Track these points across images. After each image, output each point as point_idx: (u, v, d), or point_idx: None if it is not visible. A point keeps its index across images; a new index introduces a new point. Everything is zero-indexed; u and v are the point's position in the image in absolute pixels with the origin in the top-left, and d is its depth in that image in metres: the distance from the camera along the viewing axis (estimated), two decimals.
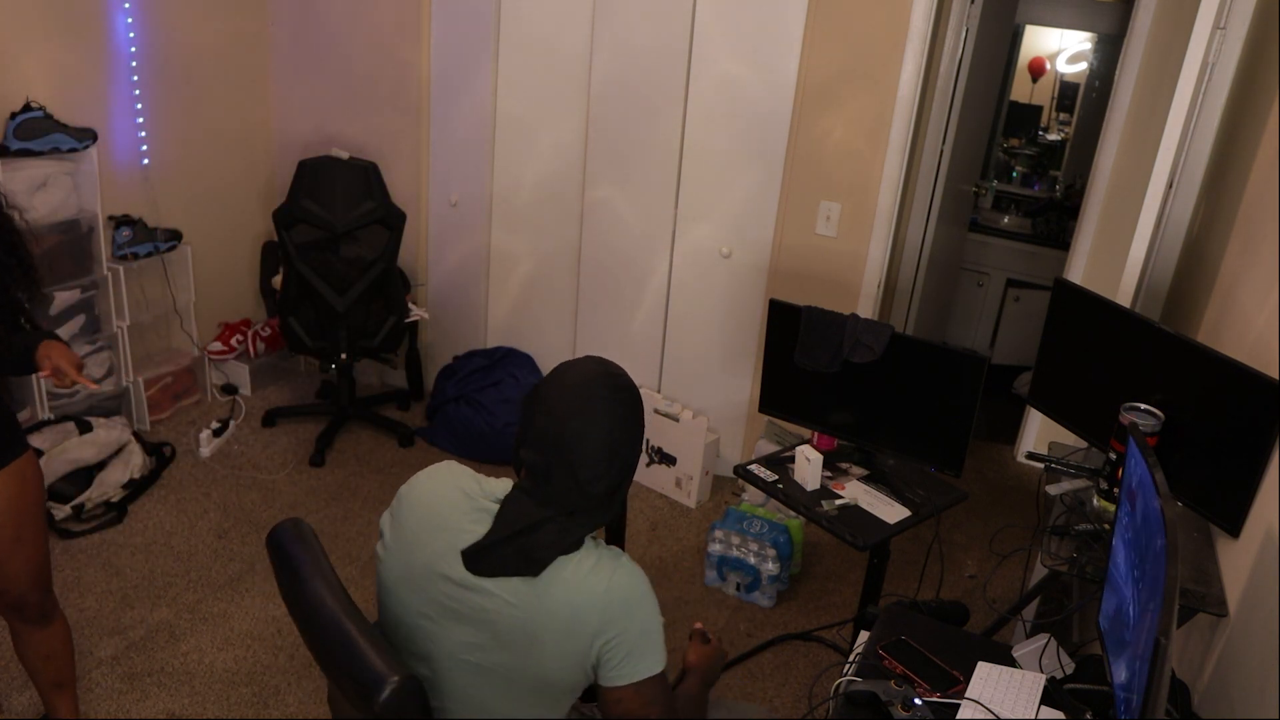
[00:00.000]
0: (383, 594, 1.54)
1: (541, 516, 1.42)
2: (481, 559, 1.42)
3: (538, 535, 1.42)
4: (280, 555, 1.53)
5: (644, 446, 1.46)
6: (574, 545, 1.44)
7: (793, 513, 2.97)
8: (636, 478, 3.17)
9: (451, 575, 1.44)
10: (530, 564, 1.41)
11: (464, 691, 1.50)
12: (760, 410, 2.78)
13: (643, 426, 1.50)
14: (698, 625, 1.81)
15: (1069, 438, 2.49)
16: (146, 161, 3.59)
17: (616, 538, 1.59)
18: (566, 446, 1.41)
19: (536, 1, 3.47)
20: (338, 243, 3.48)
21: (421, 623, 1.48)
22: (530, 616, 1.41)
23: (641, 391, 3.63)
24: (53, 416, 3.27)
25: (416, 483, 1.53)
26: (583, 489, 1.42)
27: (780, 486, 2.54)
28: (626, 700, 1.43)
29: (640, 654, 1.42)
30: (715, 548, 3.05)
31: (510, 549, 1.42)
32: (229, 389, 3.99)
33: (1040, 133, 5.20)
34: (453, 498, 1.48)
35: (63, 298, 3.29)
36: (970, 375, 2.37)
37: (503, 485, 1.49)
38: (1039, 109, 5.16)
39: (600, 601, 1.40)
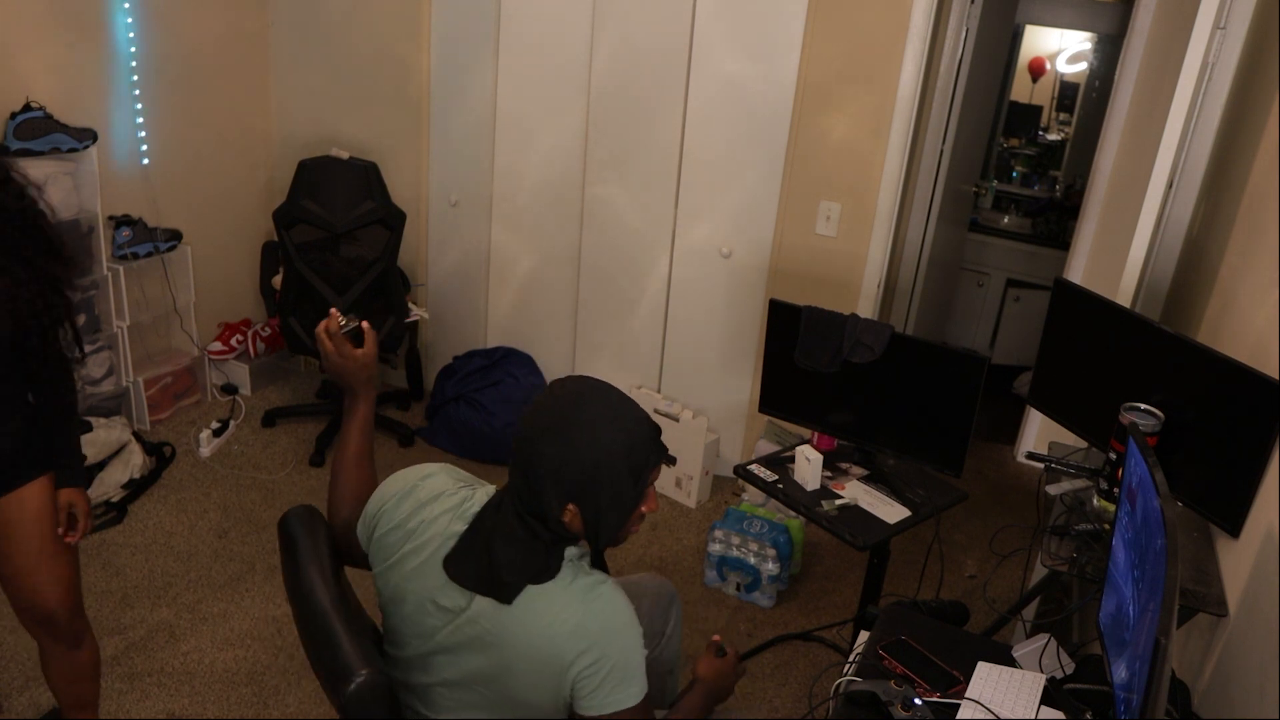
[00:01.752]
0: (382, 601, 1.55)
1: (509, 528, 1.40)
2: (457, 564, 1.43)
3: (497, 550, 1.39)
4: (285, 539, 1.55)
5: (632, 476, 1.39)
6: (544, 572, 1.40)
7: (793, 513, 2.97)
8: None
9: (442, 603, 1.44)
10: (499, 588, 1.39)
11: (451, 708, 1.50)
12: (760, 410, 2.78)
13: (615, 458, 1.38)
14: (716, 638, 1.76)
15: (1069, 438, 2.49)
16: (146, 161, 3.59)
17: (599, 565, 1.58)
18: (529, 463, 1.39)
19: (537, 1, 3.47)
20: (338, 243, 3.48)
21: (414, 641, 1.50)
22: (505, 644, 1.40)
23: (641, 392, 3.68)
24: None
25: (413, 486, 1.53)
26: (542, 511, 1.39)
27: (780, 486, 2.54)
28: None
29: (615, 685, 1.39)
30: (715, 548, 3.05)
31: (479, 560, 1.41)
32: (229, 389, 3.99)
33: (1040, 133, 5.20)
34: (440, 508, 1.49)
35: None
36: (970, 375, 2.37)
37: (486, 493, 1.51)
38: (1039, 109, 5.16)
39: (574, 632, 1.37)
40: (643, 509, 1.47)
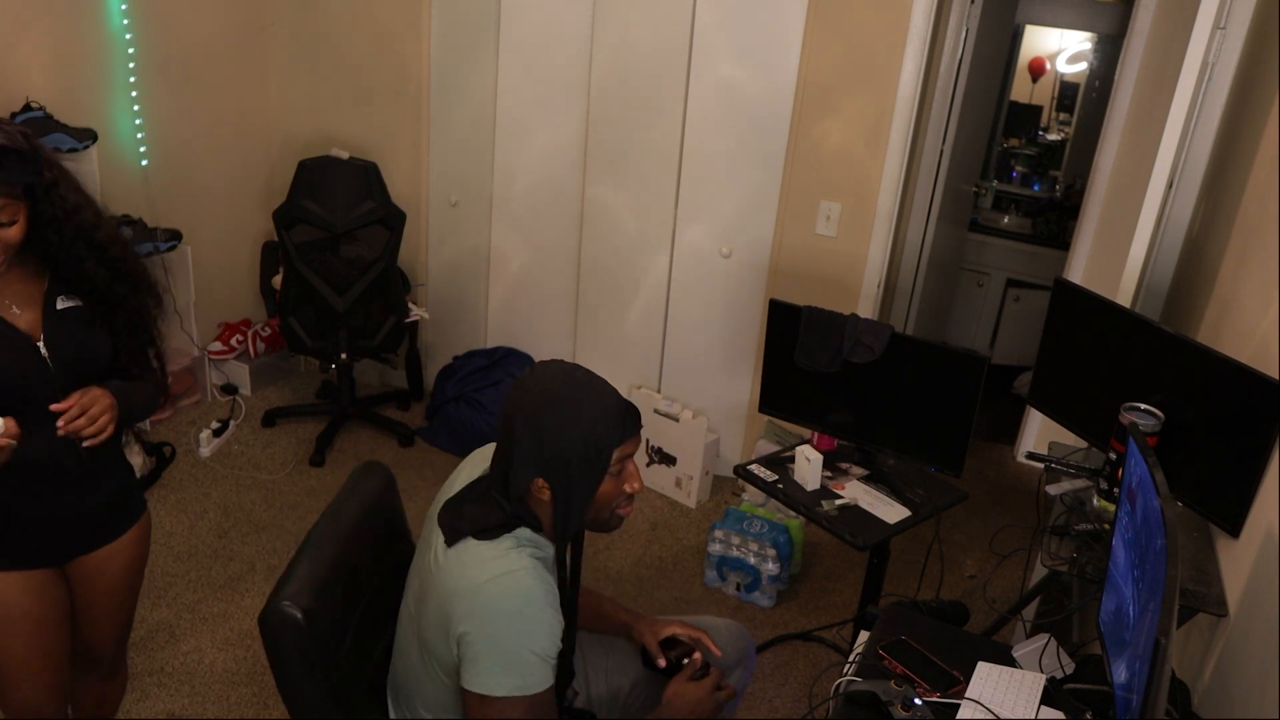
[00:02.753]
0: None
1: (484, 485, 1.51)
2: (444, 510, 1.52)
3: (466, 503, 1.49)
4: (347, 483, 1.77)
5: (596, 455, 1.45)
6: (486, 531, 1.45)
7: (793, 513, 2.97)
8: None
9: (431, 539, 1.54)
10: (451, 531, 1.46)
11: (401, 638, 1.61)
12: (760, 410, 2.78)
13: (581, 429, 1.42)
14: (696, 656, 1.72)
15: (1069, 438, 2.49)
16: (146, 162, 3.59)
17: (572, 578, 1.61)
18: (505, 439, 1.48)
19: (537, 1, 3.47)
20: (338, 243, 3.48)
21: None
22: (434, 585, 1.46)
23: (641, 392, 3.68)
24: None
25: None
26: (507, 485, 1.46)
27: (780, 486, 2.54)
28: (473, 708, 1.43)
29: (487, 666, 1.39)
30: (715, 548, 3.05)
31: (456, 509, 1.50)
32: (229, 389, 3.99)
33: (1040, 133, 5.20)
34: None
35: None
36: (970, 375, 2.37)
37: None
38: (1039, 109, 5.16)
39: (469, 593, 1.41)
40: (625, 488, 1.50)
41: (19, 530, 1.66)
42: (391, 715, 1.66)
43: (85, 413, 1.63)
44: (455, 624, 1.40)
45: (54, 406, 1.62)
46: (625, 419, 1.46)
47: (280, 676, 1.49)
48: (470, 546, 1.44)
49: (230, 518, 3.23)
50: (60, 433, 1.62)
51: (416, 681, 1.56)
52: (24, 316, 1.68)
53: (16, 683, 1.78)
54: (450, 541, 1.45)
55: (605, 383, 1.49)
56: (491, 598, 1.40)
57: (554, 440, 1.42)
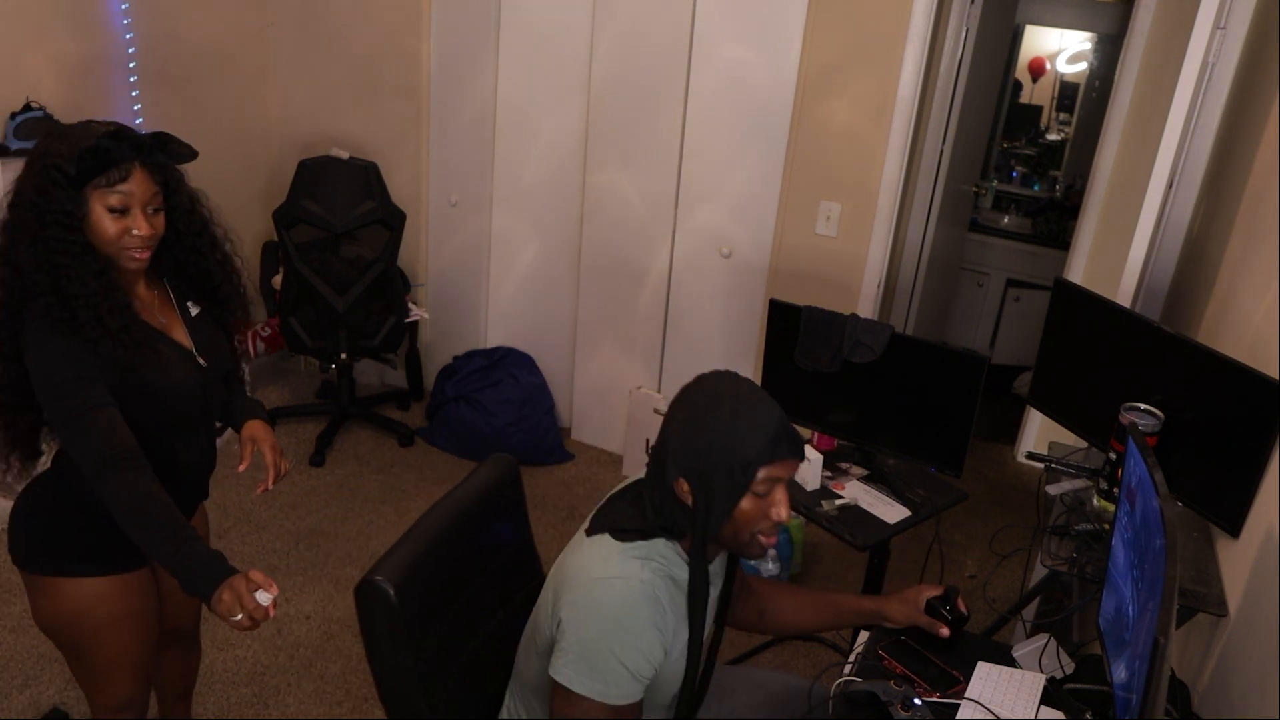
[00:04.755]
0: None
1: (634, 491, 1.52)
2: (606, 499, 1.56)
3: (624, 499, 1.51)
4: (471, 473, 1.75)
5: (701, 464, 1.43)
6: (624, 532, 1.45)
7: (793, 513, 2.97)
8: None
9: None
10: (595, 520, 1.50)
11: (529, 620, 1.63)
12: None
13: (730, 442, 1.38)
14: (959, 602, 1.74)
15: (1069, 438, 2.49)
16: None
17: (722, 599, 1.61)
18: (661, 437, 1.48)
19: None
20: (338, 243, 3.48)
21: None
22: (563, 559, 1.50)
23: (641, 392, 3.68)
24: None
25: None
26: (660, 475, 1.45)
27: None
28: (557, 699, 1.42)
29: (573, 660, 1.39)
30: None
31: (612, 502, 1.53)
32: None
33: (1041, 132, 5.20)
34: None
35: None
36: (970, 375, 2.37)
37: None
38: (1039, 109, 5.16)
39: (580, 584, 1.41)
40: (771, 512, 1.43)
41: (121, 535, 1.56)
42: (503, 716, 1.66)
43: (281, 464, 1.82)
44: (560, 607, 1.42)
45: (269, 483, 1.82)
46: (781, 440, 1.40)
47: (369, 649, 1.50)
48: (604, 540, 1.44)
49: (230, 518, 3.23)
50: (266, 488, 1.81)
51: (525, 657, 1.58)
52: (172, 328, 1.69)
53: (118, 680, 1.80)
54: (590, 531, 1.48)
55: (772, 402, 1.43)
56: (596, 597, 1.39)
57: (703, 442, 1.39)
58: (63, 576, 1.68)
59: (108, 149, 1.51)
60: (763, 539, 1.45)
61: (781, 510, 1.42)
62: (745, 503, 1.40)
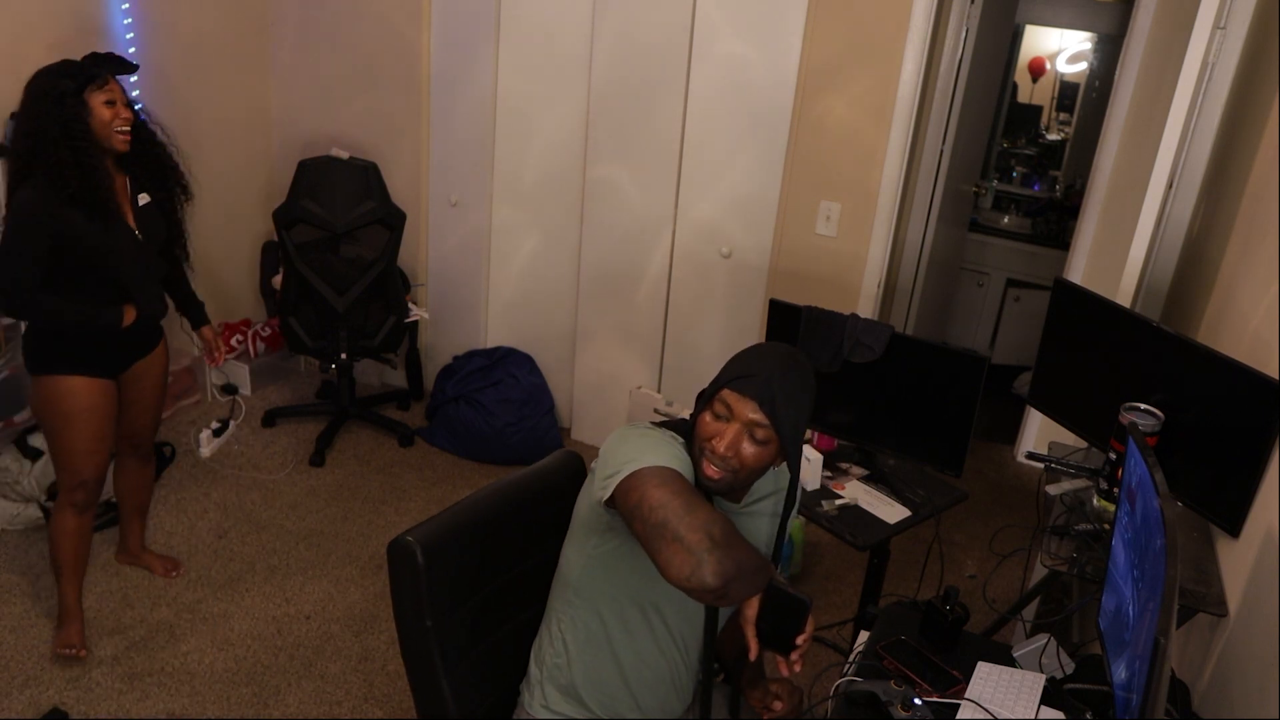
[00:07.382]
0: None
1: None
2: None
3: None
4: (536, 464, 1.80)
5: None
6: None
7: (793, 513, 2.97)
8: None
9: None
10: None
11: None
12: None
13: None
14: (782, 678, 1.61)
15: (1069, 438, 2.49)
16: None
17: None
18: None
19: None
20: (338, 243, 3.48)
21: None
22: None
23: (641, 392, 3.68)
24: None
25: None
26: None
27: None
28: (624, 494, 1.42)
29: (613, 467, 1.44)
30: None
31: None
32: (229, 389, 3.99)
33: (1041, 132, 5.20)
34: None
35: None
36: (970, 375, 2.37)
37: None
38: (1039, 109, 5.16)
39: (607, 442, 1.52)
40: (705, 436, 1.51)
41: (99, 349, 2.39)
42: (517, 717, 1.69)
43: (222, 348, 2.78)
44: (595, 475, 1.50)
45: (218, 360, 2.80)
46: (749, 380, 1.49)
47: (395, 603, 1.56)
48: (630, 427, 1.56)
49: (230, 518, 3.23)
50: (216, 365, 2.83)
51: (559, 595, 1.63)
52: (125, 210, 2.35)
53: (79, 462, 2.43)
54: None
55: (783, 362, 1.54)
56: (621, 431, 1.52)
57: (728, 366, 1.55)
58: (46, 374, 2.35)
59: (94, 63, 2.25)
60: (705, 463, 1.51)
61: (718, 443, 1.50)
62: (706, 416, 1.53)
